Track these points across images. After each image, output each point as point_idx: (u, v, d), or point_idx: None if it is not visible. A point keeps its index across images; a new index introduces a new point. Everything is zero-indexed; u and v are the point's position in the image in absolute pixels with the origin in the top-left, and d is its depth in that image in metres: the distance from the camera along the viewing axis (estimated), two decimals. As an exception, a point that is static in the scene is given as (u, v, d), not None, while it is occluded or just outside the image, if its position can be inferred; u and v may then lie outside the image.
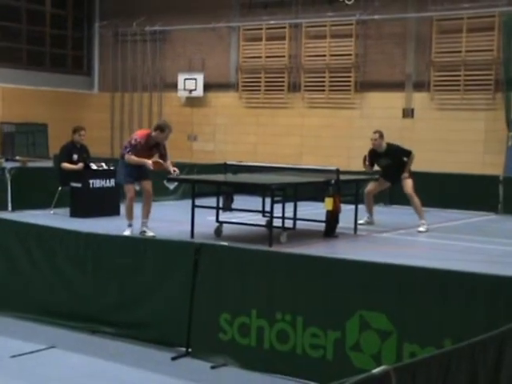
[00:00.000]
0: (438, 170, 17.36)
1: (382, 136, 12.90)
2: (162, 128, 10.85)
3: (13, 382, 5.06)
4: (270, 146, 23.16)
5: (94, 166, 13.55)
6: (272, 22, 23.17)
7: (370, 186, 13.36)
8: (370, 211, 13.32)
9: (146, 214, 10.91)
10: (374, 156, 12.98)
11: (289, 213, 11.74)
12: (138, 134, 11.04)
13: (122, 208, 13.13)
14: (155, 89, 25.84)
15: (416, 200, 12.70)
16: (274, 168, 14.56)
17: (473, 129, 20.20)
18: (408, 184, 12.79)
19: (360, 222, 12.71)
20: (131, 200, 10.91)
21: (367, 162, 12.89)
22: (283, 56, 23.22)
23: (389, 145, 13.01)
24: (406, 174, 12.77)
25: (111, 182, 13.57)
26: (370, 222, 13.22)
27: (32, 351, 5.61)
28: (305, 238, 11.65)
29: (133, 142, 10.73)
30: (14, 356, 5.49)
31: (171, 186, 15.62)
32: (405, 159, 12.88)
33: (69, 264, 6.33)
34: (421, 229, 12.62)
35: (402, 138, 20.71)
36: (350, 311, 5.01)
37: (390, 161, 12.87)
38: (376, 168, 13.22)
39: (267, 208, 11.35)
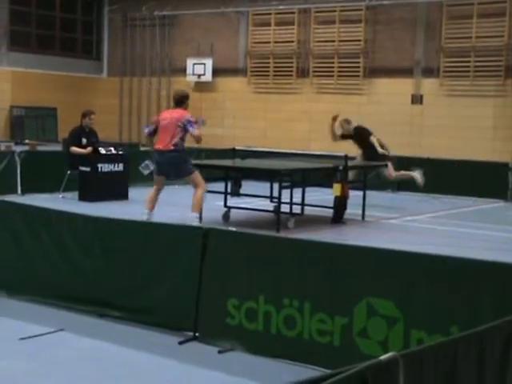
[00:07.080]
0: (446, 157, 17.29)
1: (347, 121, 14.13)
2: None
3: (21, 364, 5.09)
4: (278, 131, 23.10)
5: (102, 151, 13.56)
6: (281, 7, 23.06)
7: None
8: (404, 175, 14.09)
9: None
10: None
11: (297, 198, 11.74)
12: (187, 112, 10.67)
13: (131, 193, 13.15)
14: (164, 73, 25.78)
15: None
16: (282, 153, 14.55)
17: (482, 115, 20.09)
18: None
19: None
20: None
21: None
22: (292, 41, 23.11)
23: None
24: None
25: (120, 167, 13.58)
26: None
27: (41, 334, 5.65)
28: (313, 224, 11.65)
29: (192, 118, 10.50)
30: (23, 338, 5.53)
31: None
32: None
33: (77, 248, 6.36)
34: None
35: (410, 124, 20.73)
36: (357, 297, 5.02)
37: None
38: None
39: (275, 193, 11.34)
